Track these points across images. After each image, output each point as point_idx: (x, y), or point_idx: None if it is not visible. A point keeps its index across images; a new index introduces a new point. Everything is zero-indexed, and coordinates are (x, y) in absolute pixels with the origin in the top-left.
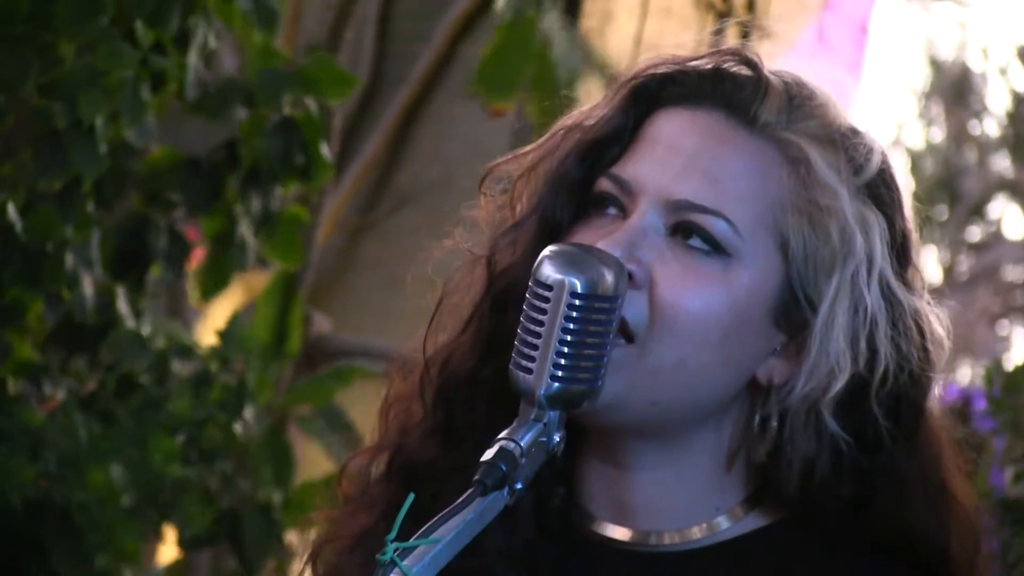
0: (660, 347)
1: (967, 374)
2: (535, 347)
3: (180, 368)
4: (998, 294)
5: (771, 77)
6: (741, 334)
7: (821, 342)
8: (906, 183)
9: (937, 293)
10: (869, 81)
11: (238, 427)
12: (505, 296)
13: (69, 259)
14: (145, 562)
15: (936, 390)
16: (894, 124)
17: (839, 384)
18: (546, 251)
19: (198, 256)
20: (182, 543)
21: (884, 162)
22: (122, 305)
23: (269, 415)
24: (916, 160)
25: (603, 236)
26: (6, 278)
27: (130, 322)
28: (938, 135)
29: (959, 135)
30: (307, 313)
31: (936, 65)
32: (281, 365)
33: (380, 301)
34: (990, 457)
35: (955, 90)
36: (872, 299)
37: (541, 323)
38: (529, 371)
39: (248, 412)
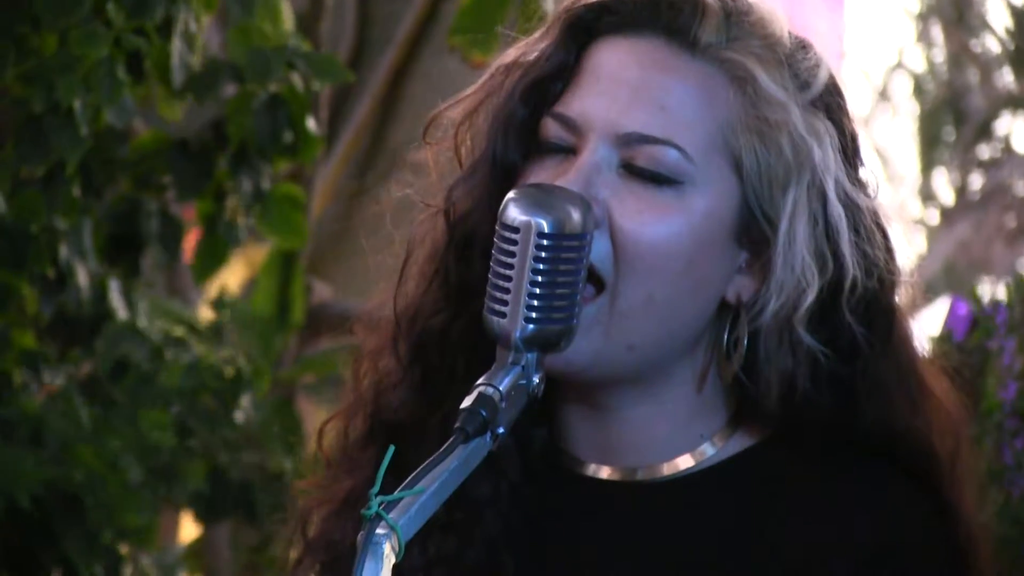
0: (627, 286)
1: (987, 291)
2: (507, 291)
3: (175, 356)
4: (1012, 210)
5: None
6: (705, 259)
7: (784, 257)
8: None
9: (951, 214)
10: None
11: (245, 402)
12: (468, 244)
13: (63, 250)
14: (166, 542)
15: (903, 290)
16: (894, 48)
17: (809, 297)
18: (510, 194)
19: (195, 237)
20: (198, 516)
21: (828, 72)
22: (115, 296)
23: (274, 387)
24: (919, 83)
25: (557, 176)
26: None
27: (123, 313)
28: (939, 56)
29: (960, 55)
30: (307, 282)
31: None
32: (285, 336)
33: (381, 263)
34: (999, 372)
35: (953, 10)
36: (831, 208)
37: (511, 266)
38: (503, 315)
39: (246, 392)
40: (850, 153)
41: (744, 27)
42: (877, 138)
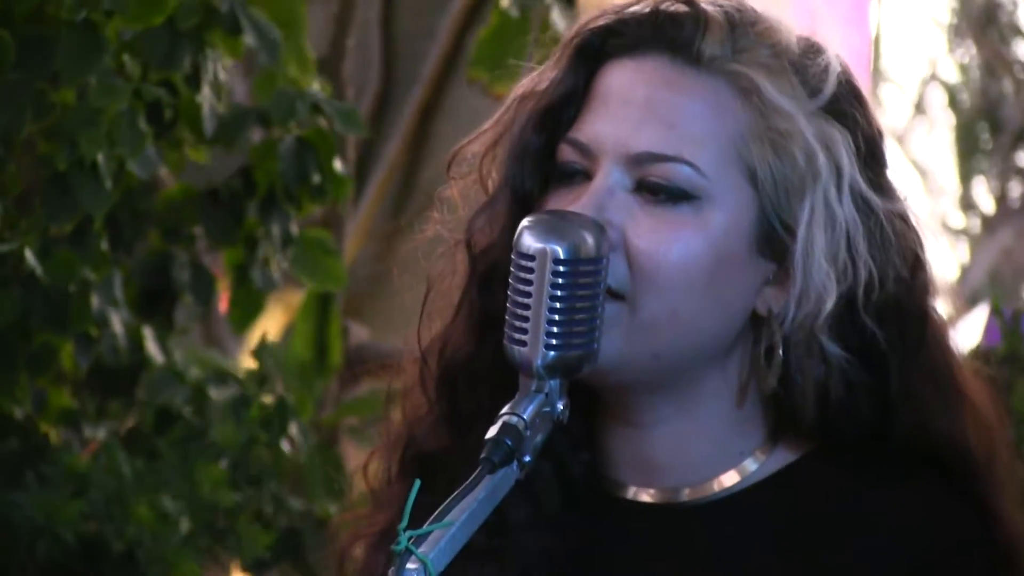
0: (649, 302)
1: None
2: (526, 319)
3: (218, 395)
4: None
5: (709, 9)
6: (728, 273)
7: (804, 266)
8: (867, 89)
9: (993, 222)
10: (877, 14)
11: (285, 445)
12: (490, 276)
13: (95, 301)
14: None
15: (933, 293)
16: (927, 60)
17: (829, 305)
18: (524, 222)
19: (226, 289)
20: (245, 567)
21: (842, 77)
22: (151, 345)
23: (316, 431)
24: (953, 94)
25: (574, 202)
26: (33, 325)
27: (160, 360)
28: (972, 66)
29: (993, 63)
30: (345, 325)
31: None
32: (325, 380)
33: (418, 302)
34: None
35: (983, 18)
36: (846, 213)
37: (529, 294)
38: (523, 343)
39: (293, 430)
40: (867, 155)
41: (750, 38)
42: (915, 151)
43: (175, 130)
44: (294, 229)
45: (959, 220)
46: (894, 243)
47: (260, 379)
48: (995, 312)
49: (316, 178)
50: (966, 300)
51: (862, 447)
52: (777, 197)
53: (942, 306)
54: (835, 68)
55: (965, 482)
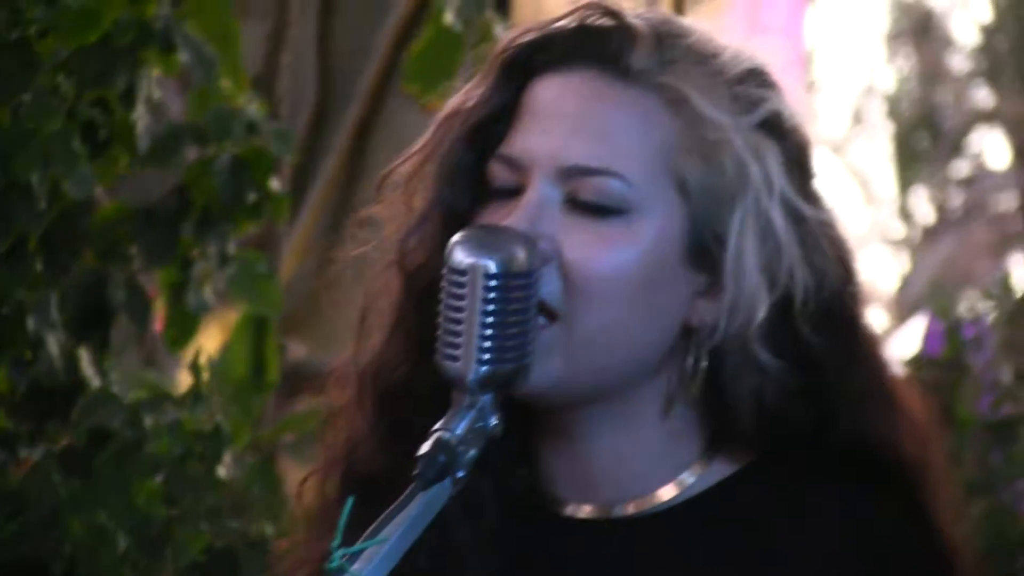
0: (583, 318)
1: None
2: (458, 334)
3: (153, 421)
4: (993, 225)
5: (636, 22)
6: (660, 285)
7: (735, 276)
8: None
9: (933, 232)
10: (814, 25)
11: (221, 470)
12: (425, 295)
13: (31, 323)
14: None
15: (863, 300)
16: (865, 70)
17: (760, 314)
18: (455, 238)
19: (162, 308)
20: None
21: (775, 90)
22: (87, 366)
23: (255, 449)
24: (892, 103)
25: (504, 217)
26: None
27: (97, 382)
28: (911, 76)
29: (931, 73)
30: (282, 342)
31: (899, 6)
32: (262, 397)
33: (351, 320)
34: (976, 387)
35: (921, 29)
36: (777, 222)
37: (461, 309)
38: (456, 358)
39: (227, 453)
40: (797, 165)
41: (678, 50)
42: (854, 161)
43: (110, 149)
44: (231, 248)
45: (899, 230)
46: (825, 251)
47: (195, 396)
48: (942, 316)
49: (252, 196)
50: (907, 309)
51: (799, 457)
52: (708, 208)
53: (881, 315)
54: (769, 87)
55: (901, 490)
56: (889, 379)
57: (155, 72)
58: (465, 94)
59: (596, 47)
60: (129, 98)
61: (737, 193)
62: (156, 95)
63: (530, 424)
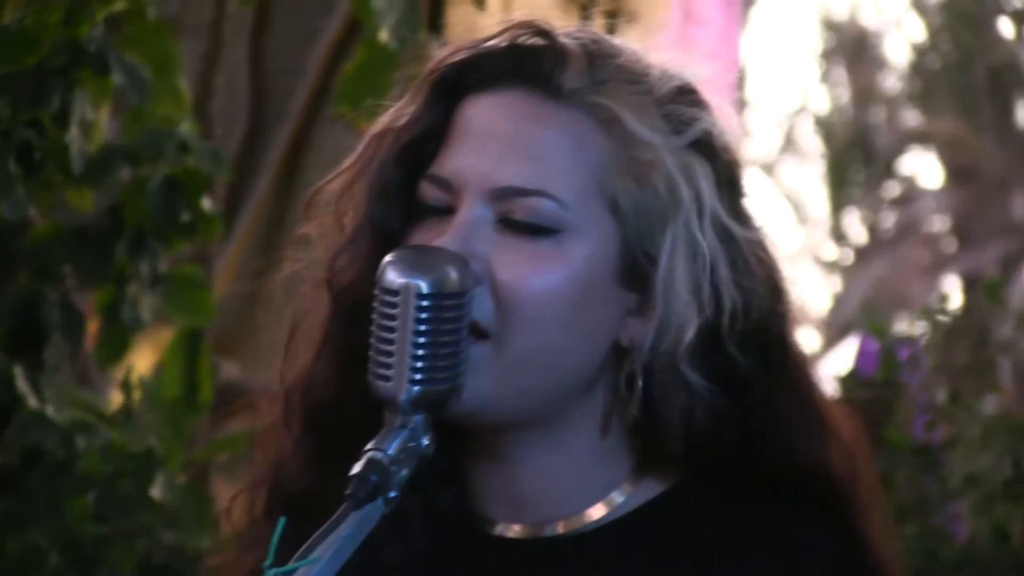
0: (515, 338)
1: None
2: (391, 354)
3: (86, 443)
4: (926, 245)
5: (567, 42)
6: (592, 304)
7: (665, 296)
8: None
9: (865, 253)
10: (746, 47)
11: (156, 488)
12: (353, 314)
13: None
14: None
15: (793, 321)
16: (798, 90)
17: (689, 335)
18: (387, 257)
19: (94, 327)
20: None
21: (707, 115)
22: (22, 384)
23: (187, 467)
24: (825, 124)
25: (437, 237)
26: None
27: (32, 400)
28: (843, 96)
29: (864, 94)
30: (214, 362)
31: (832, 26)
32: (195, 417)
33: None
34: (910, 407)
35: (854, 49)
36: (708, 242)
37: (393, 329)
38: (388, 379)
39: (160, 472)
40: (727, 185)
41: (609, 70)
42: (786, 182)
43: (44, 170)
44: (163, 267)
45: (831, 251)
46: (755, 271)
47: (126, 415)
48: (877, 335)
49: (186, 216)
50: (839, 330)
51: (729, 477)
52: (639, 228)
53: (813, 335)
54: (701, 107)
55: (831, 509)
56: (818, 398)
57: (89, 96)
58: (396, 112)
59: (527, 67)
60: (63, 119)
61: (668, 213)
62: (90, 117)
63: (460, 444)
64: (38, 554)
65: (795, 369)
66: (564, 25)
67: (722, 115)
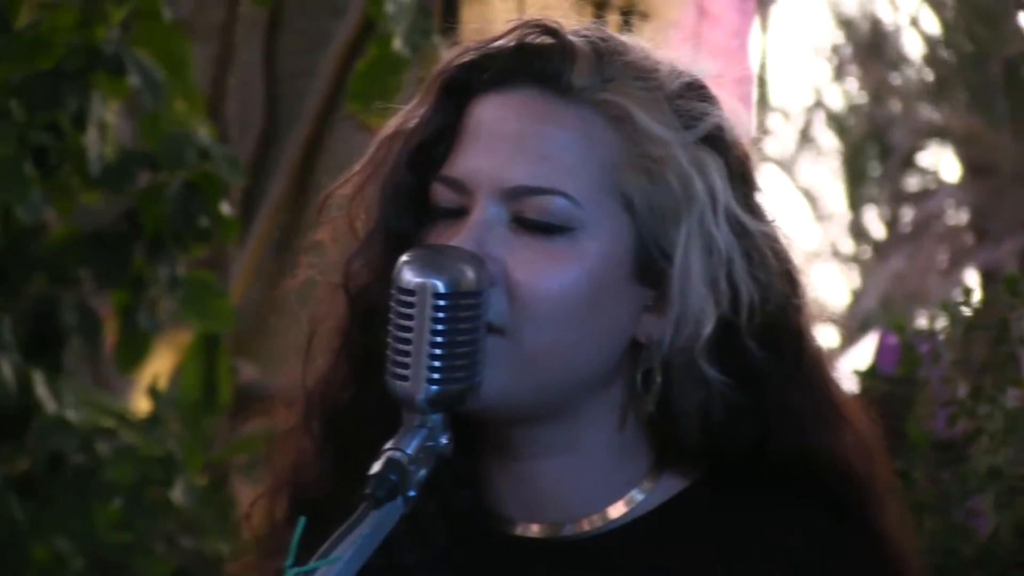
0: (530, 335)
1: (924, 323)
2: (408, 354)
3: (107, 448)
4: (944, 240)
5: (575, 40)
6: (607, 301)
7: (681, 291)
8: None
9: (884, 248)
10: (760, 45)
11: (176, 492)
12: (370, 316)
13: None
14: None
15: (809, 313)
16: (813, 86)
17: (707, 329)
18: (403, 257)
19: (113, 330)
20: None
21: (717, 109)
22: (41, 388)
23: (207, 469)
24: (841, 121)
25: (450, 239)
26: None
27: (51, 404)
28: (859, 93)
29: (880, 89)
30: (232, 363)
31: (845, 23)
32: (214, 419)
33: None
34: (930, 403)
35: (869, 45)
36: (722, 237)
37: (410, 329)
38: (405, 378)
39: (180, 477)
40: (740, 178)
41: (618, 67)
42: (803, 178)
43: (61, 173)
44: (180, 271)
45: (849, 246)
46: (770, 264)
47: (151, 421)
48: (897, 331)
49: (203, 221)
50: (858, 326)
51: (747, 472)
52: (653, 223)
53: (832, 331)
54: (711, 102)
55: (848, 501)
56: (834, 390)
57: (106, 98)
58: (405, 115)
59: (536, 66)
60: (80, 122)
61: (682, 208)
62: (107, 119)
63: (477, 444)
64: (63, 561)
65: (811, 361)
66: (572, 23)
67: (731, 109)
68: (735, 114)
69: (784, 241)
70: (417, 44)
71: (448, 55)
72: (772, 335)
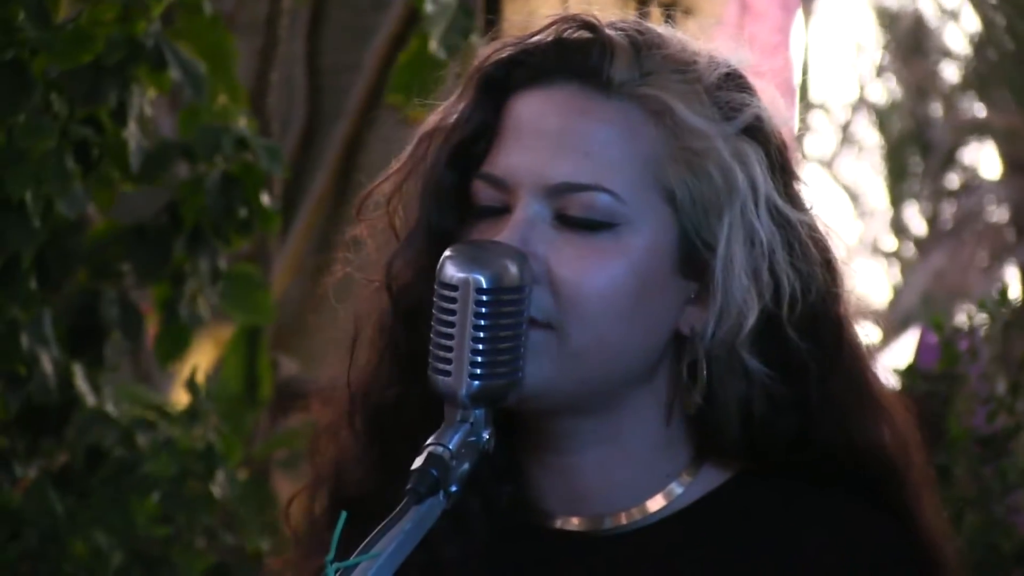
0: (576, 331)
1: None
2: (450, 349)
3: (147, 440)
4: (985, 237)
5: (613, 35)
6: (652, 295)
7: (724, 283)
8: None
9: (925, 245)
10: (802, 41)
11: (216, 487)
12: (414, 315)
13: (25, 340)
14: None
15: (850, 303)
16: (854, 83)
17: (750, 321)
18: (447, 252)
19: (154, 324)
20: None
21: (755, 99)
22: (81, 382)
23: (248, 464)
24: (882, 117)
25: (493, 236)
26: None
27: (91, 399)
28: (901, 89)
29: (922, 86)
30: (274, 358)
31: (888, 18)
32: (255, 413)
33: (344, 336)
34: (970, 399)
35: (911, 41)
36: (764, 228)
37: (452, 324)
38: (448, 373)
39: (220, 471)
40: (780, 169)
41: (656, 60)
42: (844, 175)
43: (102, 167)
44: (222, 264)
45: (891, 243)
46: (812, 254)
47: (191, 414)
48: (937, 328)
49: (243, 212)
50: (899, 322)
51: (786, 464)
52: (696, 216)
53: (873, 328)
54: (750, 93)
55: (887, 491)
56: (873, 380)
57: (147, 91)
58: (445, 111)
59: (575, 61)
60: (121, 116)
61: (724, 200)
62: (147, 112)
63: (516, 439)
64: (101, 555)
65: (851, 352)
66: (609, 16)
67: (769, 98)
68: (773, 103)
69: (824, 230)
70: (457, 45)
71: (485, 51)
72: (813, 325)
